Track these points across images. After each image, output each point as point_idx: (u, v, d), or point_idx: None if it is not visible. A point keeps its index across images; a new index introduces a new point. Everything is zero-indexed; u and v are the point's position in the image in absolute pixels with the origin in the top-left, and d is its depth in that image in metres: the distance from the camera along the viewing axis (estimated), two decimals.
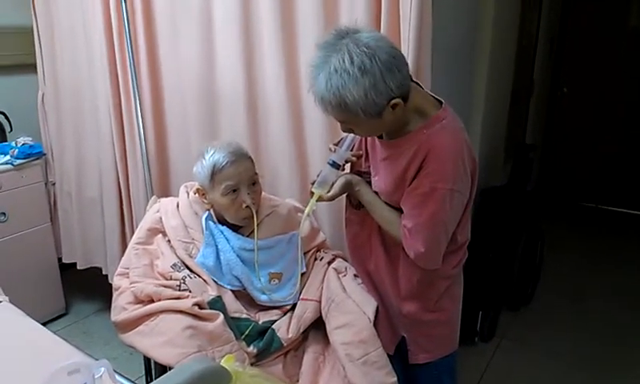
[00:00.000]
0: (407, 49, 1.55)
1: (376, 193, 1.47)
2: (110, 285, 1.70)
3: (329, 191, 1.47)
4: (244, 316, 1.57)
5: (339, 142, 1.53)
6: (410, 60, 1.52)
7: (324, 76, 1.18)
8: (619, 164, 4.33)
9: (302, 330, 1.59)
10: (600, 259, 3.61)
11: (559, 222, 4.16)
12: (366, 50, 1.15)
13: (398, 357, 1.57)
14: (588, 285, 3.24)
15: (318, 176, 1.49)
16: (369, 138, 1.48)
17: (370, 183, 1.49)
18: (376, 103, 1.19)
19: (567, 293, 3.13)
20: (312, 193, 1.48)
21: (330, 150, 1.53)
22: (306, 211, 1.50)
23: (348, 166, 1.57)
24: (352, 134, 1.44)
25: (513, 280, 2.76)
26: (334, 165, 1.47)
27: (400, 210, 1.39)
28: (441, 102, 1.36)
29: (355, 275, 1.65)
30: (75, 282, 3.02)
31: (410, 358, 1.56)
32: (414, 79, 1.37)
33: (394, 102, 1.21)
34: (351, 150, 1.51)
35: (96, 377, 1.08)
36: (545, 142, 4.53)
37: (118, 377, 1.16)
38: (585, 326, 2.80)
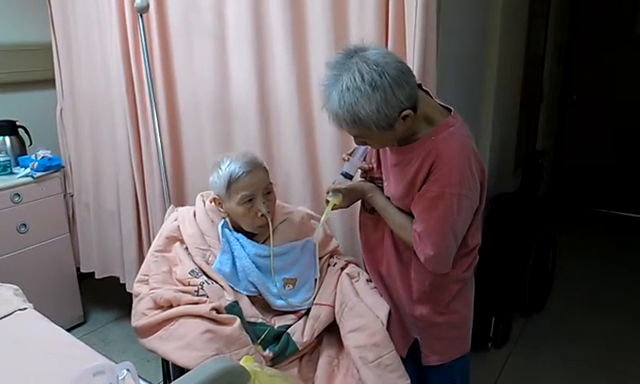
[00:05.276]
0: (413, 58, 1.59)
1: (388, 198, 1.51)
2: (128, 293, 1.75)
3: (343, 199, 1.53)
4: (260, 321, 1.61)
5: (352, 152, 1.57)
6: (415, 70, 1.57)
7: (337, 94, 1.23)
8: (631, 169, 4.32)
9: (316, 334, 1.63)
10: (612, 264, 3.59)
11: (571, 227, 4.14)
12: (375, 67, 1.20)
13: (411, 359, 1.60)
14: (601, 290, 3.23)
15: (333, 184, 1.54)
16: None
17: (382, 188, 1.53)
18: (388, 116, 1.23)
19: (580, 298, 3.13)
20: (327, 201, 1.54)
21: (344, 159, 1.58)
22: (322, 219, 1.55)
23: (359, 173, 1.61)
24: (363, 146, 1.49)
25: (525, 286, 2.76)
26: (347, 176, 1.53)
27: (412, 215, 1.42)
28: (449, 110, 1.40)
29: (368, 280, 1.69)
30: (93, 291, 3.07)
31: (422, 360, 1.59)
32: (424, 87, 1.41)
33: (404, 113, 1.25)
34: (364, 159, 1.56)
35: (120, 378, 1.12)
36: (556, 148, 4.53)
37: (140, 380, 1.21)
38: (598, 332, 2.79)
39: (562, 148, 4.56)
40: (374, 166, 1.56)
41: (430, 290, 1.50)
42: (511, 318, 2.75)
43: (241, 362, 1.02)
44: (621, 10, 4.15)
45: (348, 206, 1.60)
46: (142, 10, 2.02)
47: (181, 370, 1.47)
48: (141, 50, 2.12)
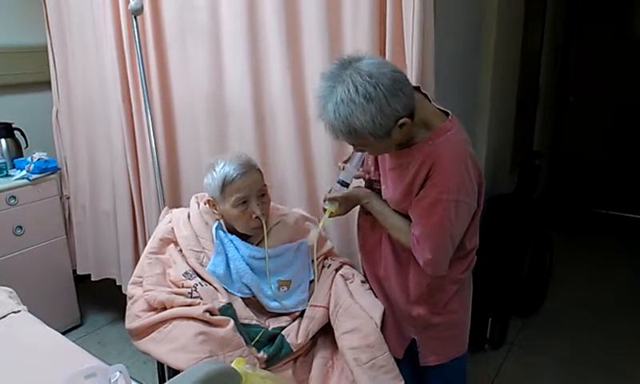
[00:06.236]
0: (411, 62, 1.59)
1: (385, 201, 1.51)
2: (124, 295, 1.74)
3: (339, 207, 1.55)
4: (254, 322, 1.61)
5: (348, 159, 1.58)
6: (414, 73, 1.58)
7: (332, 106, 1.24)
8: (627, 169, 4.32)
9: (310, 336, 1.63)
10: (609, 265, 3.59)
11: (568, 228, 4.15)
12: (369, 79, 1.20)
13: (408, 360, 1.60)
14: (597, 291, 3.23)
15: (329, 192, 1.55)
16: None
17: (380, 191, 1.53)
18: (383, 125, 1.23)
19: (577, 299, 3.12)
20: (324, 209, 1.55)
21: (340, 168, 1.59)
22: (320, 226, 1.58)
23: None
24: (359, 153, 1.51)
25: (522, 287, 2.76)
26: (343, 184, 1.55)
27: (409, 218, 1.43)
28: (447, 114, 1.40)
29: (362, 281, 1.69)
30: (90, 293, 3.07)
31: (420, 360, 1.59)
32: (422, 90, 1.42)
33: (401, 121, 1.25)
34: (361, 165, 1.57)
35: (112, 381, 1.12)
36: (553, 148, 4.54)
37: (133, 382, 1.20)
38: (595, 333, 2.79)
39: (559, 148, 4.56)
40: (372, 168, 1.57)
41: (427, 290, 1.50)
42: (508, 319, 2.75)
43: (232, 364, 1.02)
44: (617, 10, 4.15)
45: (345, 214, 1.60)
46: (136, 12, 2.02)
47: (175, 373, 1.47)
48: (135, 52, 2.12)
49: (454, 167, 1.32)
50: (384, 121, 1.22)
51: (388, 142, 1.30)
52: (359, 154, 1.52)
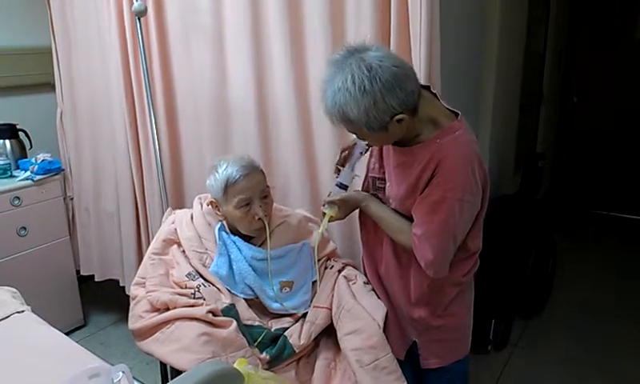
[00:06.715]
0: (419, 65, 1.59)
1: (384, 203, 1.51)
2: (127, 296, 1.74)
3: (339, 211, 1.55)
4: (257, 323, 1.61)
5: (345, 161, 1.59)
6: (422, 76, 1.57)
7: (331, 92, 1.26)
8: (631, 171, 4.31)
9: (313, 337, 1.63)
10: (613, 266, 3.58)
11: (571, 229, 4.14)
12: (366, 72, 1.21)
13: (409, 362, 1.60)
14: (601, 293, 3.22)
15: (328, 196, 1.55)
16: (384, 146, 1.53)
17: (384, 189, 1.53)
18: (378, 120, 1.24)
19: (580, 301, 3.11)
20: (324, 213, 1.55)
21: (335, 172, 1.60)
22: (320, 231, 1.58)
23: (363, 173, 1.63)
24: (356, 154, 1.53)
25: (525, 288, 2.76)
26: (342, 186, 1.55)
27: (409, 219, 1.42)
28: (456, 114, 1.40)
29: (365, 282, 1.69)
30: (93, 294, 3.08)
31: (421, 363, 1.59)
32: (432, 90, 1.42)
33: (398, 117, 1.25)
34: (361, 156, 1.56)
35: (115, 381, 1.12)
36: (556, 150, 4.53)
37: (135, 383, 1.21)
38: (598, 334, 2.78)
39: (562, 150, 4.56)
40: (377, 165, 1.56)
41: (428, 292, 1.50)
42: (511, 321, 2.75)
43: (235, 365, 1.02)
44: (621, 12, 4.15)
45: (345, 217, 1.60)
46: (140, 14, 2.03)
47: (178, 373, 1.47)
48: (139, 53, 2.13)
49: (460, 167, 1.32)
50: (378, 115, 1.23)
51: (385, 135, 1.30)
52: (356, 155, 1.53)
